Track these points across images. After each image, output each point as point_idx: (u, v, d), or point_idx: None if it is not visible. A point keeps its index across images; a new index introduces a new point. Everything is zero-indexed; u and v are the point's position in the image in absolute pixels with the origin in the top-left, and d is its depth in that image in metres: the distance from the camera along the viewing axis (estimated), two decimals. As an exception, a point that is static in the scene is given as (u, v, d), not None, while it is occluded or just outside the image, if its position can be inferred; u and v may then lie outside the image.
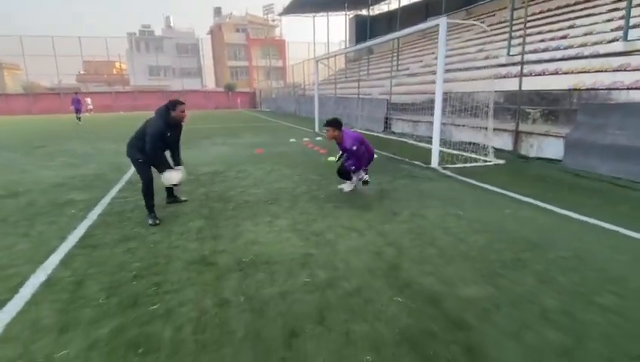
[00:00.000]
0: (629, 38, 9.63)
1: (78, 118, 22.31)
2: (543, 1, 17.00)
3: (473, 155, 7.89)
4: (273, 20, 55.95)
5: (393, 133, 13.49)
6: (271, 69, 48.79)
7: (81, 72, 53.61)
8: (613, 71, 8.79)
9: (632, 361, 1.98)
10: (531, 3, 17.63)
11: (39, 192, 5.72)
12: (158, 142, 4.22)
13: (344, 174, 5.46)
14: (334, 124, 5.03)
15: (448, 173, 6.63)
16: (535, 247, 3.44)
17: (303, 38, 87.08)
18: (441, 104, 6.87)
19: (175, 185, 4.61)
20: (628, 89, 7.87)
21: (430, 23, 7.56)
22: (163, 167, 4.36)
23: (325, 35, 39.77)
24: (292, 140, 11.76)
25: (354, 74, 26.14)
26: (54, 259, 3.36)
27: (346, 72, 28.79)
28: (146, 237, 3.83)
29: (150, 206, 4.34)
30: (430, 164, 7.17)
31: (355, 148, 4.95)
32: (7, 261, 3.34)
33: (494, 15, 19.70)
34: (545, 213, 4.42)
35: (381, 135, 13.05)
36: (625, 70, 8.62)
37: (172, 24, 56.60)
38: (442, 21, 6.57)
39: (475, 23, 9.00)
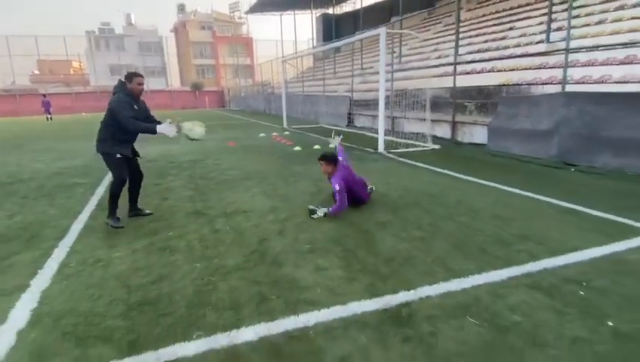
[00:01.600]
0: (550, 40, 11.68)
1: (49, 118, 27.08)
2: (489, 4, 19.21)
3: (416, 142, 9.63)
4: (240, 18, 56.84)
5: (355, 127, 15.18)
6: (239, 67, 49.78)
7: (35, 72, 52.69)
8: (536, 68, 10.77)
9: (477, 246, 3.60)
10: (482, 5, 19.84)
11: (44, 179, 6.95)
12: (129, 111, 4.03)
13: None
14: (327, 158, 4.66)
15: (391, 155, 8.32)
16: (432, 197, 5.11)
17: (270, 36, 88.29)
18: (384, 100, 8.55)
19: (194, 138, 4.39)
20: (544, 84, 9.82)
21: (371, 32, 9.20)
22: (149, 128, 4.08)
23: (293, 33, 41.34)
24: (262, 135, 13.22)
25: (321, 72, 27.81)
26: (84, 217, 4.72)
27: (314, 71, 30.41)
28: (150, 202, 5.23)
29: (114, 208, 4.25)
30: (378, 149, 8.85)
31: (337, 188, 4.38)
32: (48, 219, 4.67)
33: (450, 16, 21.82)
34: (453, 180, 6.14)
35: (344, 129, 14.70)
36: (544, 68, 10.61)
37: (133, 22, 56.47)
38: (382, 31, 8.22)
39: (410, 32, 10.76)
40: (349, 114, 15.97)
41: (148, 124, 4.16)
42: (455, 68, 10.45)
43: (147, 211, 4.66)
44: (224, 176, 6.88)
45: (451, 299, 2.63)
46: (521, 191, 5.29)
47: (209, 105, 43.56)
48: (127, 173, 4.30)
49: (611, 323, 2.33)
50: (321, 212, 4.37)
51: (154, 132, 4.08)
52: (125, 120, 3.99)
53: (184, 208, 4.96)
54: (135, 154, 4.50)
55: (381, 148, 8.76)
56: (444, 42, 17.90)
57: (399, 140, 9.97)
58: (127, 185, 4.37)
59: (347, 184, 4.49)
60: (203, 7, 58.28)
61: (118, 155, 4.20)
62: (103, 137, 4.18)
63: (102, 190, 6.08)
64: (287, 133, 13.78)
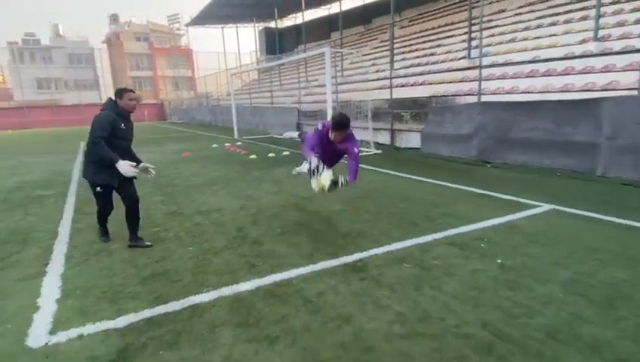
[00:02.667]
0: (471, 56, 13.55)
1: None
2: (421, 22, 21.34)
3: (361, 148, 10.81)
4: (178, 29, 56.25)
5: (304, 136, 16.23)
6: (179, 79, 49.20)
7: (-56, 86, 48.23)
8: (459, 82, 12.50)
9: (411, 221, 4.64)
10: (414, 23, 21.96)
11: (5, 193, 7.12)
12: (103, 131, 3.72)
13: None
14: (343, 124, 4.64)
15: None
16: (377, 191, 6.20)
17: (211, 48, 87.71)
18: (331, 111, 9.62)
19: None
20: (465, 95, 11.48)
21: (317, 51, 10.30)
22: (111, 160, 3.74)
23: (235, 45, 41.84)
24: (214, 146, 13.79)
25: (266, 84, 28.72)
26: (66, 221, 5.19)
27: (259, 82, 31.23)
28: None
29: (101, 229, 4.35)
30: (328, 155, 9.91)
31: (356, 151, 4.70)
32: (31, 225, 5.07)
33: (386, 32, 23.78)
34: (394, 177, 7.29)
35: (295, 138, 15.66)
36: (465, 81, 12.35)
37: (61, 32, 53.77)
38: (327, 50, 9.35)
39: (351, 51, 12.07)
40: (298, 124, 16.98)
41: (113, 155, 3.75)
42: (391, 81, 11.84)
43: (147, 243, 4.16)
44: (188, 182, 7.49)
45: (392, 256, 3.62)
46: (448, 184, 6.54)
47: (148, 118, 42.57)
48: (112, 205, 4.15)
49: (500, 261, 3.44)
50: (342, 179, 4.45)
51: (112, 165, 3.76)
52: (95, 139, 3.71)
53: (159, 210, 5.59)
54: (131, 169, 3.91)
55: (330, 153, 9.82)
56: (380, 57, 19.61)
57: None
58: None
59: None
60: (138, 19, 56.53)
61: (99, 189, 3.95)
62: (88, 162, 3.91)
63: (72, 199, 6.46)
64: (239, 143, 14.46)
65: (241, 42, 35.92)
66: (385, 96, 13.27)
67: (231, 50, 41.93)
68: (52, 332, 2.58)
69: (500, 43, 13.62)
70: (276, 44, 30.76)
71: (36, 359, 2.32)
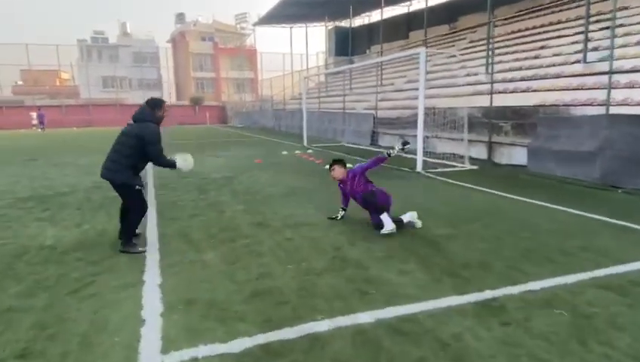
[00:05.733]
0: (587, 61, 12.61)
1: (42, 129, 32.46)
2: (519, 21, 20.40)
3: (452, 163, 10.41)
4: (243, 29, 58.90)
5: (380, 146, 16.02)
6: (242, 81, 51.35)
7: (19, 83, 53.98)
8: (574, 90, 11.65)
9: (543, 255, 4.29)
10: (510, 21, 21.05)
11: (86, 192, 7.69)
12: (160, 144, 4.37)
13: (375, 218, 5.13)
14: (340, 162, 5.61)
15: (430, 175, 9.10)
16: (487, 213, 5.86)
17: (275, 49, 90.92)
18: (423, 121, 9.37)
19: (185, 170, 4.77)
20: (583, 105, 10.66)
21: (410, 51, 10.13)
22: (171, 163, 4.50)
23: (300, 46, 42.88)
24: (284, 153, 14.05)
25: (335, 87, 29.00)
26: (151, 225, 5.43)
27: (326, 85, 31.65)
28: (208, 214, 5.94)
29: (133, 235, 4.53)
30: (415, 169, 9.62)
31: (371, 188, 5.30)
32: (116, 228, 5.37)
33: (475, 32, 23.04)
34: (501, 198, 6.88)
35: (369, 148, 15.54)
36: (582, 89, 11.49)
37: (129, 30, 58.57)
38: (422, 51, 9.14)
39: (451, 53, 11.69)
40: (373, 132, 16.84)
41: (170, 159, 4.49)
42: (492, 87, 11.33)
43: (141, 249, 4.46)
44: (266, 191, 7.61)
45: (533, 297, 3.30)
46: (573, 210, 6.00)
47: (210, 120, 44.76)
48: (146, 203, 4.63)
49: (678, 315, 3.00)
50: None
51: (174, 167, 4.54)
52: (158, 153, 4.31)
53: (245, 219, 5.68)
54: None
55: (419, 167, 9.53)
56: (471, 59, 18.97)
57: (435, 160, 10.75)
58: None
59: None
60: (204, 17, 60.05)
61: (138, 187, 4.42)
62: (122, 166, 4.29)
63: (152, 202, 6.81)
64: (310, 150, 14.61)
65: (304, 43, 36.67)
66: (478, 104, 12.74)
67: (295, 51, 43.09)
68: (164, 351, 2.61)
69: (625, 45, 12.56)
70: (348, 44, 31.00)
71: (154, 380, 2.35)
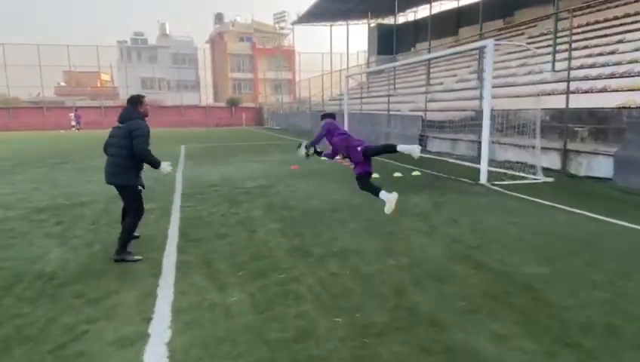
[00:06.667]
0: (679, 55, 11.05)
1: (78, 129, 34.39)
2: (589, 12, 18.67)
3: (521, 173, 9.19)
4: (282, 28, 58.80)
5: (430, 152, 14.87)
6: (280, 81, 51.12)
7: (61, 84, 56.04)
8: (664, 89, 10.15)
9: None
10: (577, 13, 19.35)
11: (105, 203, 7.11)
12: (149, 138, 4.44)
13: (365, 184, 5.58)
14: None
15: (497, 188, 7.95)
16: (585, 244, 4.72)
17: (313, 48, 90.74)
18: (489, 124, 8.24)
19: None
20: (679, 107, 9.20)
21: (475, 44, 9.02)
22: (156, 162, 4.49)
23: (340, 45, 42.10)
24: (324, 158, 13.16)
25: (377, 88, 27.95)
26: (171, 249, 4.69)
27: (368, 86, 30.64)
28: (236, 233, 5.15)
29: (129, 241, 4.44)
30: (479, 180, 8.49)
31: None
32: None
33: (535, 26, 21.41)
34: (595, 222, 5.71)
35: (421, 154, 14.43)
36: (675, 88, 9.99)
37: (168, 31, 59.74)
38: (489, 43, 8.03)
39: (521, 44, 10.50)
40: (421, 136, 15.72)
41: (156, 157, 4.45)
42: (568, 85, 10.03)
43: (137, 257, 4.35)
44: (306, 205, 6.78)
45: None
46: (699, 242, 4.78)
47: (246, 122, 44.65)
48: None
49: None
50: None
51: (157, 166, 4.52)
52: (144, 147, 4.30)
53: (280, 244, 4.84)
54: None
55: (483, 179, 8.40)
56: (532, 56, 17.47)
57: (497, 169, 9.57)
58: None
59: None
60: (242, 17, 60.39)
61: (140, 187, 4.55)
62: (124, 169, 4.36)
63: (176, 216, 6.12)
64: (351, 157, 13.68)
65: (344, 42, 35.88)
66: (547, 105, 11.41)
67: (334, 50, 42.29)
68: None
69: None
70: (392, 42, 29.89)
71: None
